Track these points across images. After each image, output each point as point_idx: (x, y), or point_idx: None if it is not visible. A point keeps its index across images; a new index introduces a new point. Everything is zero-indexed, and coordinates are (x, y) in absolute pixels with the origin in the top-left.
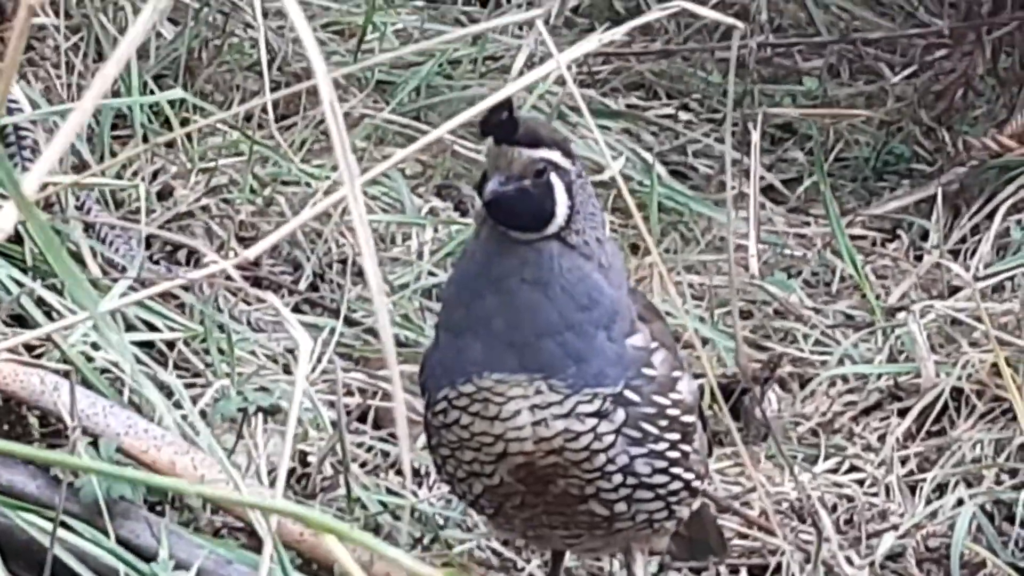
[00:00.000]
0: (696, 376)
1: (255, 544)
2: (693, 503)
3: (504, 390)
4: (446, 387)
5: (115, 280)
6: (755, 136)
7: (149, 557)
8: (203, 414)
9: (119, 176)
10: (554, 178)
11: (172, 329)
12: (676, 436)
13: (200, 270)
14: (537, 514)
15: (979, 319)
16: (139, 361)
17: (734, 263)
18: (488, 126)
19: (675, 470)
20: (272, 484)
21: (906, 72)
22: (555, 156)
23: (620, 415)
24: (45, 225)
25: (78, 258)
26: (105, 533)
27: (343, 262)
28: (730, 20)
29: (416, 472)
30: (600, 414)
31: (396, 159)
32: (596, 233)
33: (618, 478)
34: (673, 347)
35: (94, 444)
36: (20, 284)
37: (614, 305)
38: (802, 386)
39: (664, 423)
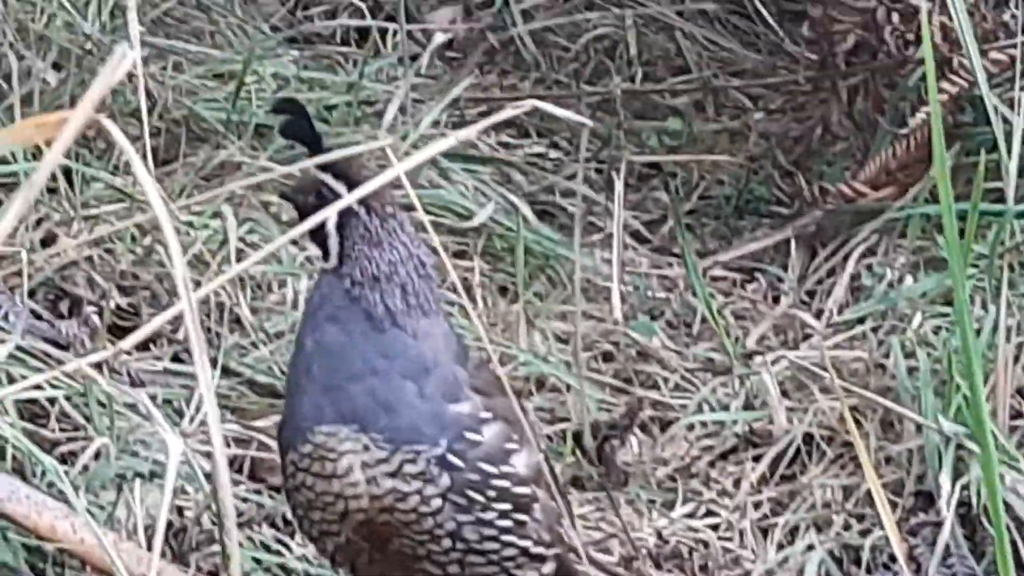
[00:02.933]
0: (561, 420)
1: None
2: (543, 567)
3: (335, 445)
4: (290, 450)
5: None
6: (619, 184)
7: None
8: (85, 468)
9: None
10: (330, 210)
11: (53, 386)
12: (507, 506)
13: (82, 358)
14: (385, 571)
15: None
16: (20, 416)
17: (598, 307)
18: (283, 129)
19: (507, 538)
20: (150, 542)
21: (770, 106)
22: (340, 189)
23: (445, 480)
24: None
25: None
26: None
27: (220, 310)
28: (583, 120)
29: (288, 523)
30: (425, 477)
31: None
32: (386, 300)
33: (447, 542)
34: (517, 422)
35: None
36: None
37: (423, 361)
38: (662, 430)
39: (492, 493)
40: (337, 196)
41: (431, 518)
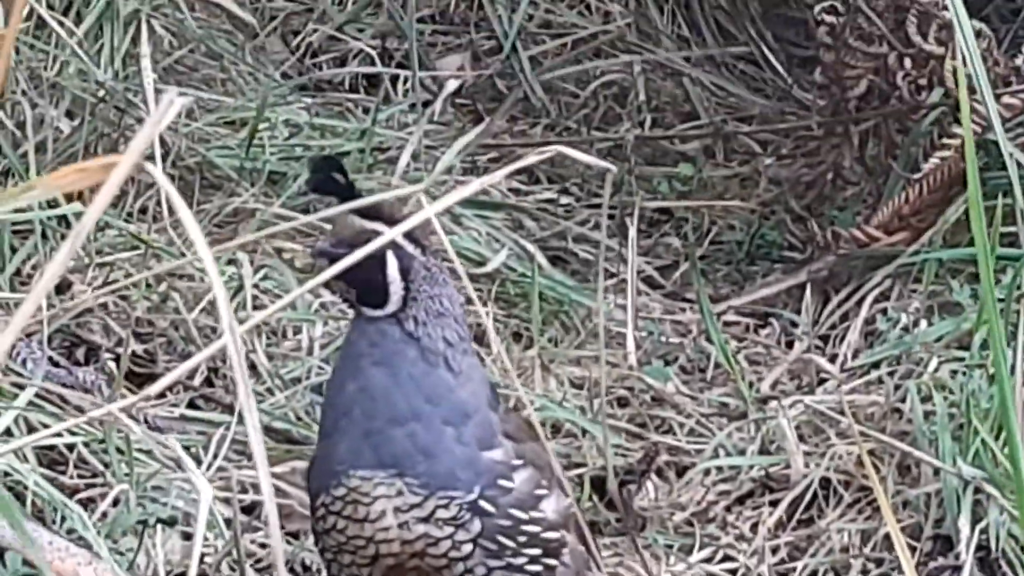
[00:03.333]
0: (577, 465)
1: None
2: None
3: (369, 490)
4: (322, 493)
5: (19, 386)
6: (632, 230)
7: None
8: (104, 515)
9: (18, 271)
10: (388, 255)
11: (72, 433)
12: (537, 551)
13: (102, 404)
14: None
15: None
16: (39, 463)
17: (612, 352)
18: (313, 183)
19: None
20: None
21: (780, 151)
22: (395, 234)
23: (476, 525)
24: None
25: None
26: None
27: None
28: (607, 166)
29: (307, 568)
30: (457, 522)
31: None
32: (445, 334)
33: None
34: (547, 466)
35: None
36: None
37: (464, 407)
38: (678, 475)
39: (523, 538)
40: (395, 244)
41: (461, 563)
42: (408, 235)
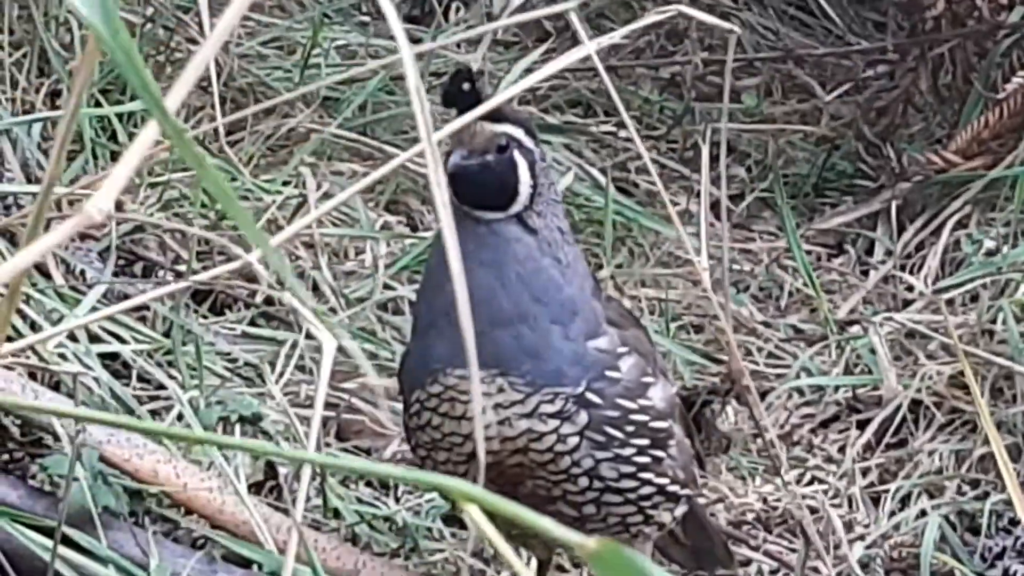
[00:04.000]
0: None
1: (236, 555)
2: (676, 509)
3: (467, 388)
4: (417, 389)
5: (81, 291)
6: (704, 151)
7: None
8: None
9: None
10: (517, 155)
11: (137, 340)
12: (644, 441)
13: (172, 284)
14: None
15: (936, 330)
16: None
17: (683, 278)
18: (449, 95)
19: (645, 475)
20: (250, 491)
21: (839, 91)
22: (518, 133)
23: (583, 417)
24: (211, 169)
25: (41, 268)
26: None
27: (300, 276)
28: (727, 25)
29: (384, 484)
30: (562, 415)
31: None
32: (558, 223)
33: (584, 481)
34: (649, 353)
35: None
36: None
37: (572, 304)
38: (760, 399)
39: (630, 428)
40: (520, 143)
41: (568, 456)
42: (527, 130)
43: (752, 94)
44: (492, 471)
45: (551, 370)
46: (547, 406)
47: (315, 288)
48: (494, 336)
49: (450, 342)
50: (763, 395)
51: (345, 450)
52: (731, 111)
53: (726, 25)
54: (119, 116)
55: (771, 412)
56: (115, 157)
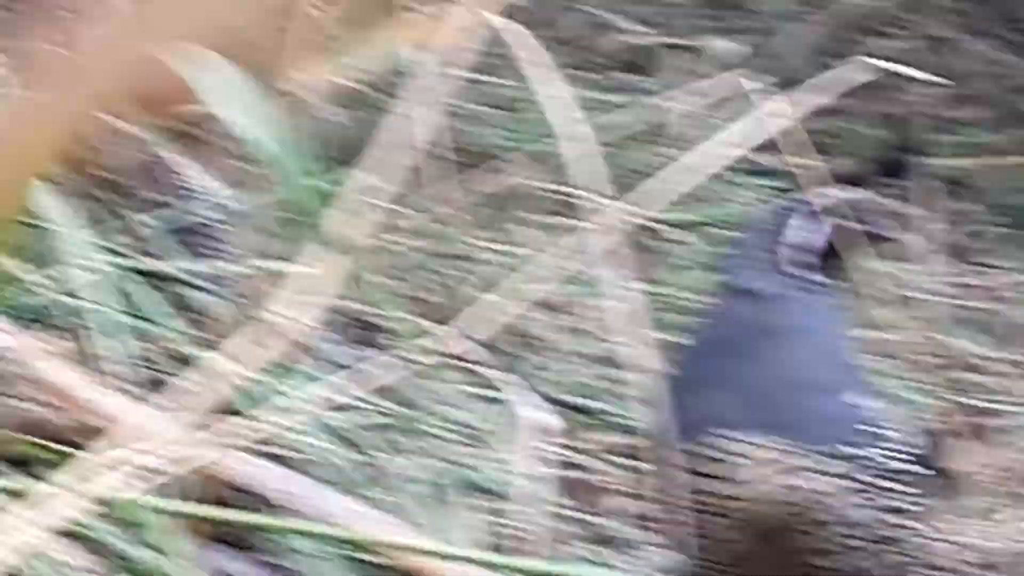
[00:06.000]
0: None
1: None
2: None
3: (745, 450)
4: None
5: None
6: (935, 187)
7: None
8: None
9: None
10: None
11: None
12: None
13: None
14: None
15: None
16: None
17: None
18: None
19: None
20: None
21: None
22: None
23: (864, 477)
24: None
25: None
26: None
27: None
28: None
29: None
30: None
31: None
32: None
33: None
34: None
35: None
36: None
37: (851, 371)
38: (992, 437)
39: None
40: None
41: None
42: None
43: (975, 127)
44: (771, 537)
45: (835, 434)
46: (831, 468)
47: (529, 344)
48: (777, 400)
49: (730, 402)
50: (996, 434)
51: (577, 508)
52: (956, 144)
53: (943, 82)
54: None
55: (1007, 451)
56: None
